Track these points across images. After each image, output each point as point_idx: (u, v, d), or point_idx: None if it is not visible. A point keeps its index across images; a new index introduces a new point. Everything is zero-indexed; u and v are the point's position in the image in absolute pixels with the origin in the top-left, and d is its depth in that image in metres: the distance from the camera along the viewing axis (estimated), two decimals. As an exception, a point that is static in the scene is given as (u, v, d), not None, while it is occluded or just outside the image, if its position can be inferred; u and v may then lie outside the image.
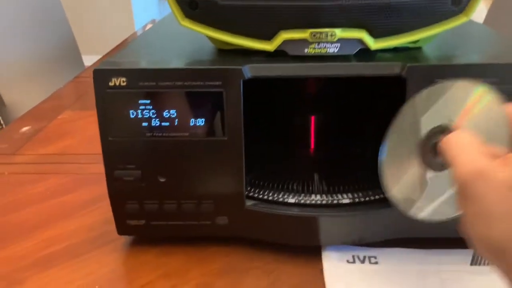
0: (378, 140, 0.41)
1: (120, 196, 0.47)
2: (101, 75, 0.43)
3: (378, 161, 0.40)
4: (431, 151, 0.38)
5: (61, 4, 1.40)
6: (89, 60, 1.17)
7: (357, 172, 0.52)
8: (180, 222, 0.48)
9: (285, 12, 0.42)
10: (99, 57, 1.17)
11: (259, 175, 0.51)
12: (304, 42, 0.44)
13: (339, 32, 0.43)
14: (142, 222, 0.48)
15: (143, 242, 0.51)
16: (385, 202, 0.47)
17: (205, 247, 0.50)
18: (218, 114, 0.44)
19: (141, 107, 0.44)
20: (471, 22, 0.52)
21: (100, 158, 0.46)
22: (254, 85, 0.44)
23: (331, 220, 0.47)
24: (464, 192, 0.31)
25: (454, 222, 0.46)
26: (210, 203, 0.47)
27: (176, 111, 0.44)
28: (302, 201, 0.48)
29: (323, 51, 0.44)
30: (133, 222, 0.48)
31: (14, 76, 1.20)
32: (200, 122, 0.44)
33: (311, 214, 0.47)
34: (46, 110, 0.90)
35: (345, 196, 0.48)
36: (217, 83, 0.43)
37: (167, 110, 0.44)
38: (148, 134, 0.45)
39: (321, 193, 0.49)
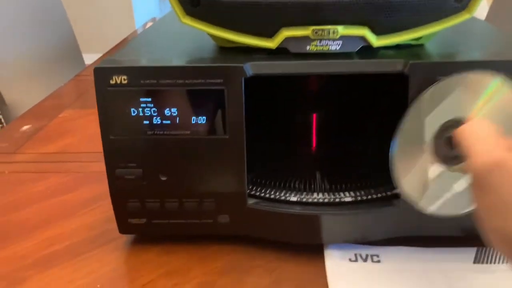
0: (380, 138, 0.41)
1: (121, 195, 0.47)
2: (102, 73, 0.43)
3: (390, 154, 0.40)
4: (446, 145, 0.38)
5: (62, 3, 1.40)
6: (90, 58, 1.17)
7: (360, 170, 0.52)
8: (182, 220, 0.48)
9: (287, 9, 0.42)
10: (99, 55, 1.17)
11: (260, 173, 0.50)
12: (306, 39, 0.43)
13: (341, 29, 0.43)
14: (144, 220, 0.48)
15: (144, 241, 0.51)
16: (387, 200, 0.47)
17: (207, 245, 0.50)
18: (220, 112, 0.44)
19: (142, 105, 0.44)
20: (473, 19, 0.52)
21: (101, 156, 0.45)
22: (256, 83, 0.43)
23: (333, 219, 0.47)
24: (479, 183, 0.31)
25: (456, 220, 0.46)
26: (211, 201, 0.47)
27: (177, 109, 0.44)
28: (304, 200, 0.48)
29: (325, 48, 0.44)
30: (134, 221, 0.48)
31: (14, 75, 1.20)
32: (202, 120, 0.44)
33: (313, 212, 0.47)
34: (46, 109, 0.90)
35: (347, 194, 0.48)
36: (219, 81, 0.43)
37: (168, 108, 0.44)
38: (149, 132, 0.44)
39: (323, 191, 0.48)
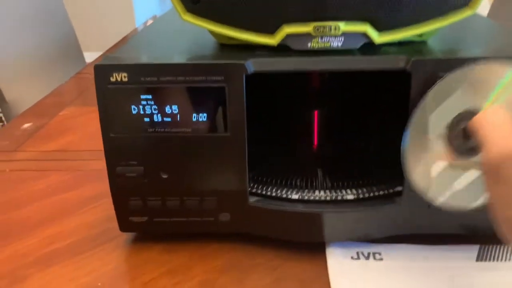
0: (382, 135, 0.40)
1: (122, 193, 0.47)
2: (102, 70, 0.43)
3: (401, 147, 0.40)
4: (460, 137, 0.38)
5: (62, 1, 1.39)
6: (90, 57, 1.17)
7: (362, 167, 0.52)
8: (183, 218, 0.48)
9: (288, 6, 0.42)
10: (100, 53, 1.17)
11: (262, 171, 0.50)
12: (307, 36, 0.43)
13: (343, 26, 0.42)
14: (145, 218, 0.48)
15: (145, 239, 0.50)
16: (390, 198, 0.47)
17: (208, 243, 0.49)
18: (221, 110, 0.43)
19: (143, 102, 0.43)
20: (475, 16, 0.52)
21: (101, 154, 0.45)
22: (257, 80, 0.43)
23: (335, 216, 0.47)
24: (493, 172, 0.30)
25: (458, 218, 0.46)
26: (213, 199, 0.47)
27: (178, 107, 0.44)
28: (306, 197, 0.47)
29: (327, 45, 0.43)
30: (135, 219, 0.48)
31: (15, 73, 1.20)
32: (203, 117, 0.44)
33: (315, 210, 0.47)
34: (47, 107, 0.90)
35: (349, 192, 0.48)
36: (220, 78, 0.42)
37: (169, 106, 0.43)
38: (150, 130, 0.44)
39: (325, 189, 0.48)
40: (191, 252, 0.49)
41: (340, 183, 0.49)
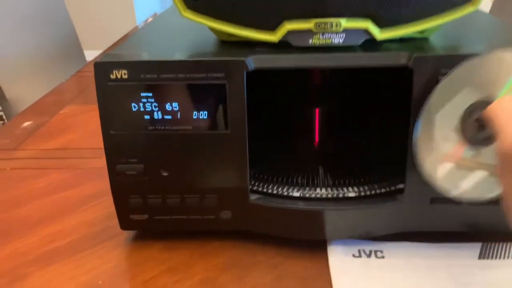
0: (384, 132, 0.40)
1: (122, 191, 0.47)
2: (102, 68, 0.43)
3: (413, 137, 0.40)
4: (474, 127, 0.37)
5: (63, 1, 1.39)
6: (91, 55, 1.16)
7: (363, 165, 0.52)
8: (184, 216, 0.47)
9: (289, 2, 0.41)
10: (101, 52, 1.17)
11: (263, 168, 0.50)
12: (308, 32, 0.43)
13: (344, 22, 0.42)
14: (145, 216, 0.48)
15: (146, 237, 0.50)
16: (391, 195, 0.47)
17: (209, 241, 0.49)
18: (221, 107, 0.43)
19: (143, 100, 0.43)
20: (477, 12, 0.51)
21: (102, 152, 0.45)
22: (258, 77, 0.43)
23: (337, 214, 0.47)
24: (509, 161, 0.30)
25: (460, 215, 0.46)
26: (213, 197, 0.46)
27: (178, 104, 0.43)
28: (307, 195, 0.47)
29: (328, 41, 0.43)
30: (135, 217, 0.48)
31: (15, 72, 1.20)
32: (203, 115, 0.44)
33: (316, 208, 0.46)
34: (47, 105, 0.90)
35: (350, 189, 0.47)
36: (220, 75, 0.42)
37: (169, 103, 0.43)
38: (150, 128, 0.44)
39: (326, 186, 0.48)
40: (191, 250, 0.48)
41: (342, 181, 0.49)
